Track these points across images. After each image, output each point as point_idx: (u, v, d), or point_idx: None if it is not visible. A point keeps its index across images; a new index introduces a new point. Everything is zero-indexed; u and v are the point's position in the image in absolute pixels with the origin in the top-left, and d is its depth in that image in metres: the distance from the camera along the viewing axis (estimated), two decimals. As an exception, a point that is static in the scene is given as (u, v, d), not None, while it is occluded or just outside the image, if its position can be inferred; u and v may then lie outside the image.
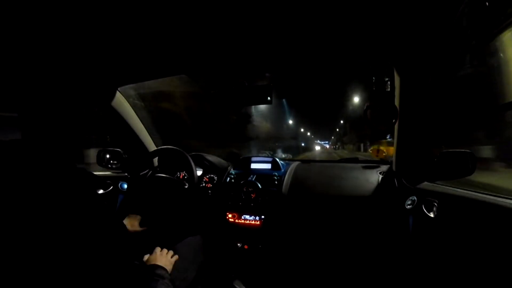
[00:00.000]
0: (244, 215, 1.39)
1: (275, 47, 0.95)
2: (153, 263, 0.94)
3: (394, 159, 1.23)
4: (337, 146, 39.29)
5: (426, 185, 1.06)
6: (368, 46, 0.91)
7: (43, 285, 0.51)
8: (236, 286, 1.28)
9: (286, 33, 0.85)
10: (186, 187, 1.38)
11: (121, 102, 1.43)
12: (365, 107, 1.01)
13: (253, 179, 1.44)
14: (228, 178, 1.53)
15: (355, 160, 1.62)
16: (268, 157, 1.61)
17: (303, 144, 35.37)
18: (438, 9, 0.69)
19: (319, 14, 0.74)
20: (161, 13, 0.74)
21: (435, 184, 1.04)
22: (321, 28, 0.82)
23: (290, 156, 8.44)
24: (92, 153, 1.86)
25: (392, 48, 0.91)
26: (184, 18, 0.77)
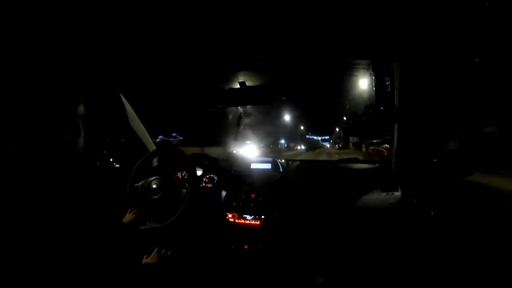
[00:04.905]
0: (244, 215, 1.39)
1: (275, 46, 0.95)
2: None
3: (394, 159, 1.23)
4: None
5: (426, 185, 1.06)
6: (368, 43, 0.91)
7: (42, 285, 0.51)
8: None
9: (286, 32, 0.85)
10: (186, 187, 1.38)
11: (121, 102, 1.43)
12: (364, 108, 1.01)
13: (253, 179, 1.44)
14: (228, 178, 1.52)
15: (355, 160, 1.63)
16: (268, 157, 1.61)
17: (282, 141, 21.55)
18: (439, 7, 0.69)
19: (319, 12, 0.74)
20: (161, 13, 0.74)
21: (435, 184, 1.03)
22: (323, 26, 0.82)
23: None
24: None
25: (393, 47, 0.91)
26: (184, 18, 0.77)
